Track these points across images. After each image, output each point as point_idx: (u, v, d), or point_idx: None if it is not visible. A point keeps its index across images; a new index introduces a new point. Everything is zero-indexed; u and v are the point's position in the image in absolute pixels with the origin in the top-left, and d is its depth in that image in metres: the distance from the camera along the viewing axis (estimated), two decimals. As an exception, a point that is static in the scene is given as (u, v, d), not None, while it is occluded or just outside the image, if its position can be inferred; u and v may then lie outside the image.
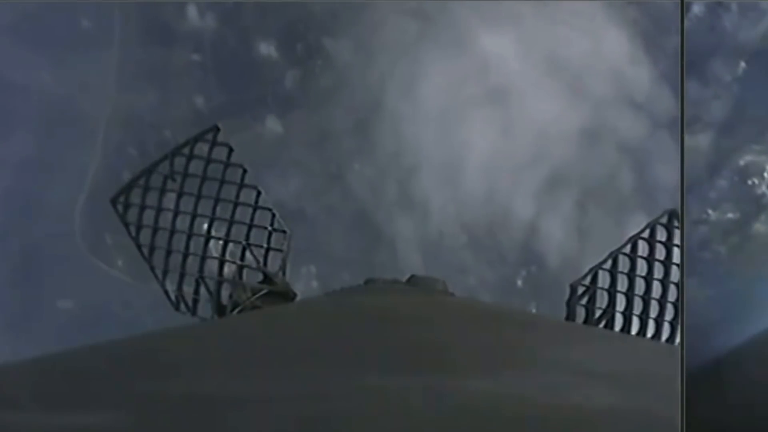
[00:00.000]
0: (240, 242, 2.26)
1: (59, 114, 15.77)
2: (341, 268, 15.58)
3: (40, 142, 15.45)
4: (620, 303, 2.09)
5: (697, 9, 3.18)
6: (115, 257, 15.54)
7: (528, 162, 15.65)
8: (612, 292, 2.09)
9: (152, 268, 2.35)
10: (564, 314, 2.04)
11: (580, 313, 2.03)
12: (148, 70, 16.25)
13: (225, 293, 2.19)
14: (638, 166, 15.24)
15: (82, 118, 15.99)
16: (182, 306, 2.31)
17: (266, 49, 16.41)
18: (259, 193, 2.28)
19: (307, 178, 15.81)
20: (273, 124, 16.07)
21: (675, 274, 2.14)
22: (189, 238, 2.28)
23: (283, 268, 2.21)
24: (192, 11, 16.24)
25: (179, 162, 2.35)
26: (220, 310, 2.15)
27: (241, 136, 15.40)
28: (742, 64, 3.49)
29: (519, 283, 15.68)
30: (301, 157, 15.85)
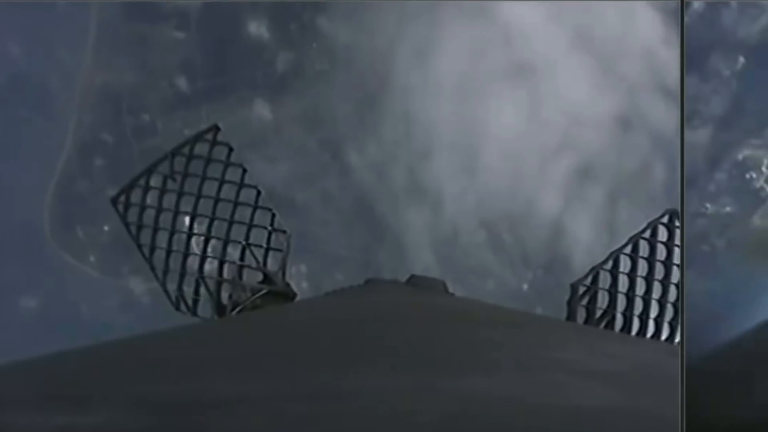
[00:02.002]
0: (240, 242, 2.27)
1: (28, 93, 14.72)
2: (336, 267, 14.44)
3: (5, 123, 14.41)
4: (621, 303, 2.10)
5: (697, 5, 3.19)
6: (86, 252, 14.57)
7: (554, 148, 14.47)
8: (613, 292, 2.09)
9: (152, 268, 2.35)
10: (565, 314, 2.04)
11: (581, 313, 2.04)
12: (127, 48, 15.12)
13: (225, 293, 2.19)
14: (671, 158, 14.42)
15: (53, 99, 14.93)
16: (182, 306, 2.31)
17: (256, 28, 15.44)
18: (259, 193, 2.28)
19: (299, 162, 14.78)
20: (262, 110, 15.16)
21: (675, 273, 2.14)
22: (189, 238, 2.28)
23: (283, 268, 2.22)
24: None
25: (179, 162, 2.35)
26: (220, 310, 2.16)
27: (226, 122, 14.55)
28: (741, 60, 3.49)
29: (524, 288, 14.77)
30: (293, 143, 14.85)
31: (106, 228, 14.35)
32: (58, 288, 14.42)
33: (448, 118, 14.96)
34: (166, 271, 2.31)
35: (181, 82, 15.44)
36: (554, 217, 14.86)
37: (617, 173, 14.91)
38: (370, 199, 15.25)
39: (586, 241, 14.64)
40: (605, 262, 2.10)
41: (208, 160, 2.32)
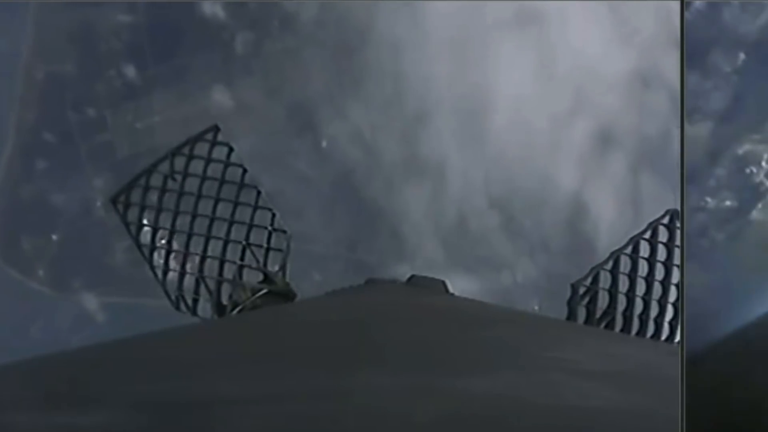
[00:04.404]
0: (240, 242, 2.27)
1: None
2: (316, 267, 12.89)
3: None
4: (621, 303, 2.10)
5: (698, 4, 3.21)
6: (33, 265, 13.23)
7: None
8: (613, 292, 2.09)
9: (152, 268, 2.36)
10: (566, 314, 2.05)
11: (582, 313, 2.04)
12: (69, 34, 13.68)
13: (225, 293, 2.20)
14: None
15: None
16: (182, 306, 2.32)
17: (211, 7, 14.05)
18: (259, 193, 2.29)
19: (266, 139, 13.27)
20: (221, 96, 13.75)
21: (675, 273, 2.15)
22: (188, 238, 2.28)
23: (283, 268, 2.22)
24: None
25: (179, 162, 2.35)
26: (220, 310, 2.17)
27: (182, 112, 13.06)
28: (742, 56, 3.50)
29: (543, 280, 12.78)
30: (259, 117, 13.27)
31: (54, 237, 13.31)
32: (4, 307, 13.07)
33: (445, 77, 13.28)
34: (165, 271, 2.32)
35: (130, 71, 14.03)
36: (573, 191, 13.37)
37: (638, 138, 13.37)
38: (354, 179, 13.68)
39: (609, 220, 13.17)
40: (605, 262, 2.10)
41: (208, 160, 2.33)
